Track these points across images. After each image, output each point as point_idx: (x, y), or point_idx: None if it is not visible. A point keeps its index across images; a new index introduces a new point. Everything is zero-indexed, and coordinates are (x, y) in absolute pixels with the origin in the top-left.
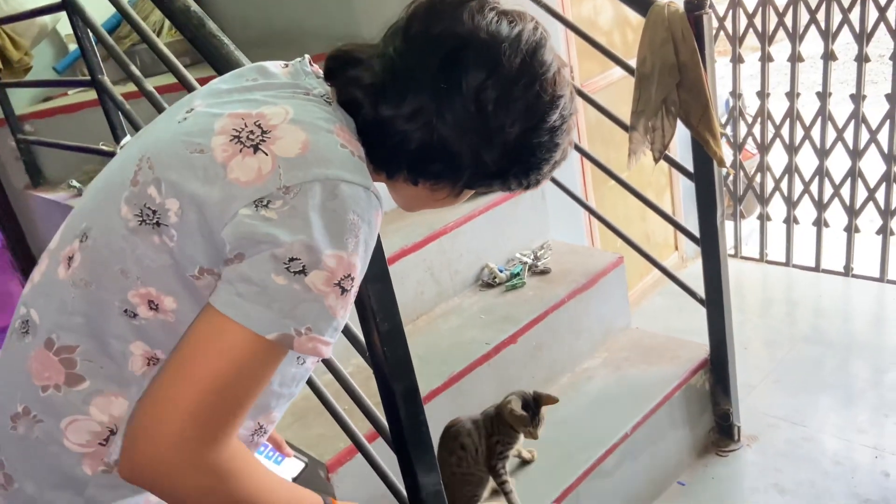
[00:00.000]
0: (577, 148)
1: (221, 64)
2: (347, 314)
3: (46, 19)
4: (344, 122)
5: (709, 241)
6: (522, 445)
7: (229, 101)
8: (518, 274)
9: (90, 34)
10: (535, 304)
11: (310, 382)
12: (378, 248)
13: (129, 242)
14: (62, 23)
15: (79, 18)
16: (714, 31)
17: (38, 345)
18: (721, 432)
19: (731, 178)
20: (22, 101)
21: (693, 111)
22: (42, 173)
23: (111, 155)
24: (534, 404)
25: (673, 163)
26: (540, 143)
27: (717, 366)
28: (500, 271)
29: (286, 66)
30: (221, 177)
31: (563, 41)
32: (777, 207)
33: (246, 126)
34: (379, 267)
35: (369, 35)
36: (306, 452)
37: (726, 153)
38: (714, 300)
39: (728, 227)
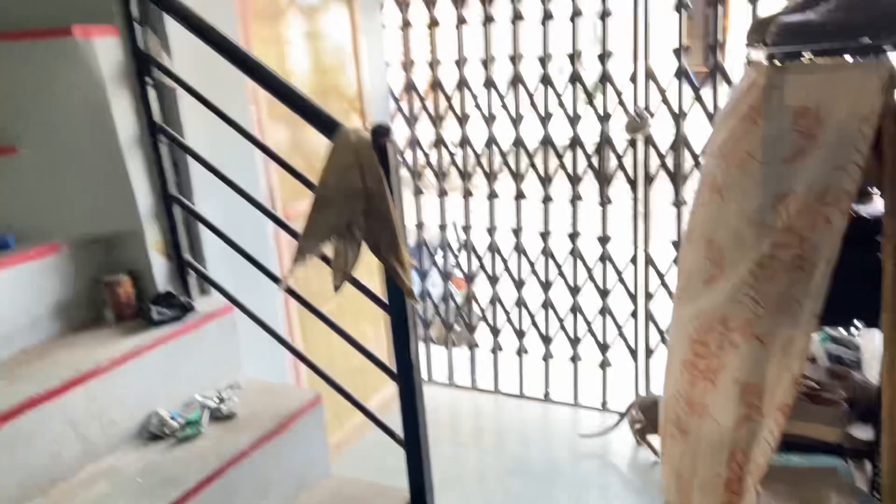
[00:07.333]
0: (290, 292)
1: None
2: None
3: None
4: None
5: (404, 377)
6: None
7: None
8: (196, 422)
9: None
10: (210, 458)
11: None
12: None
13: None
14: None
15: None
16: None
17: None
18: None
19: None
20: None
21: (382, 240)
22: None
23: None
24: None
25: (367, 292)
26: None
27: None
28: (173, 418)
29: None
30: None
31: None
32: (484, 336)
33: None
34: None
35: None
36: None
37: (437, 281)
38: (412, 440)
39: (442, 356)
